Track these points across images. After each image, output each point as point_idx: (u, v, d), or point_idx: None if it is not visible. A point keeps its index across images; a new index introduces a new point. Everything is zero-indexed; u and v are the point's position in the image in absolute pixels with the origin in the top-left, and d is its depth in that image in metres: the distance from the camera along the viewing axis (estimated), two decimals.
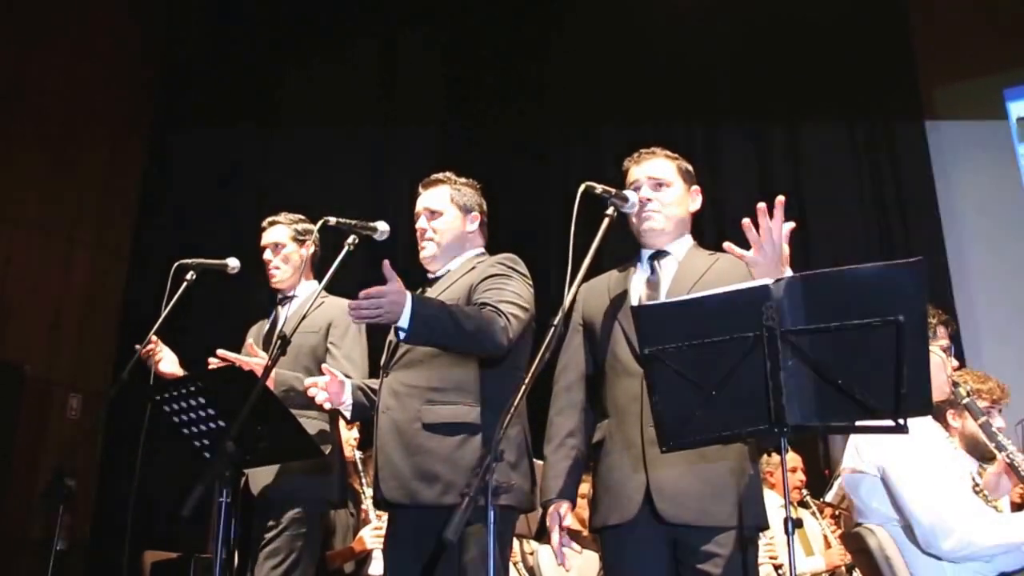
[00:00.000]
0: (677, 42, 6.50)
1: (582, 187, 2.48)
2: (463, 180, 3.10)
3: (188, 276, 3.44)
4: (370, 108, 6.96)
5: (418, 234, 3.03)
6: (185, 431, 2.92)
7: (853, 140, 6.31)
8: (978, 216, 6.04)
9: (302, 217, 3.69)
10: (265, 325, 3.64)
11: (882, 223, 6.06)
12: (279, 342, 2.66)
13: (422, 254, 3.02)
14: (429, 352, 2.77)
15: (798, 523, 2.14)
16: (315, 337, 3.41)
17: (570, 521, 2.56)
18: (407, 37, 7.09)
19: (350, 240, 2.88)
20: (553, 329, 2.26)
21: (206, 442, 2.88)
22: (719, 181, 6.17)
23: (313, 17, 7.04)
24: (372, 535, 3.89)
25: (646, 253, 2.75)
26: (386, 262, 2.46)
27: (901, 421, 2.01)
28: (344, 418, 3.11)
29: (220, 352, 3.05)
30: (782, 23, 6.31)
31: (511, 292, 2.77)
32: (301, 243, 3.64)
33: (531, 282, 2.89)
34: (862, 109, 6.33)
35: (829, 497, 4.17)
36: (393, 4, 7.04)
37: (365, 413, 3.02)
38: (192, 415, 2.86)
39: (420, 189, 3.11)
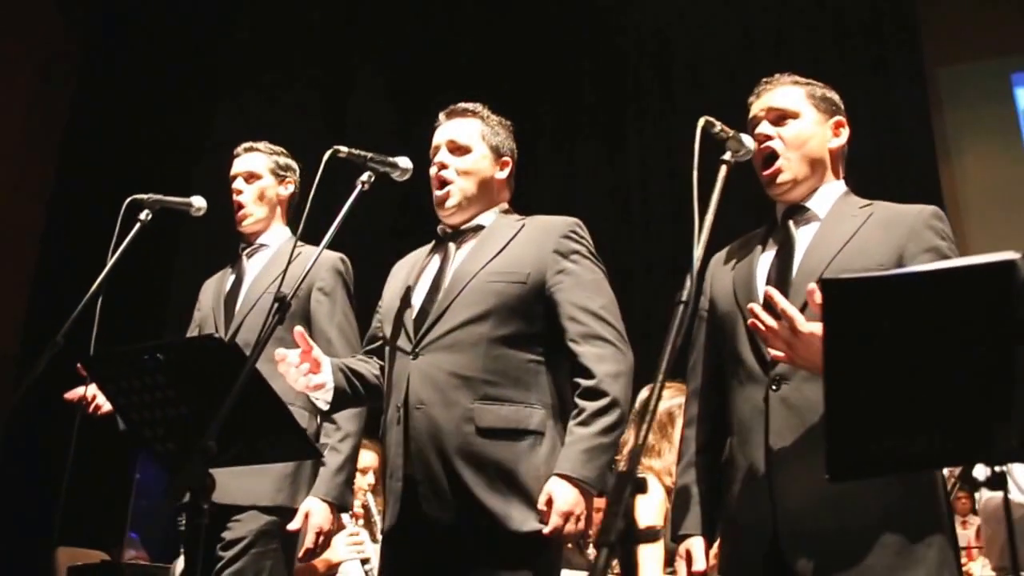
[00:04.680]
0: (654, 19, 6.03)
1: (701, 121, 1.89)
2: (496, 117, 2.47)
3: (143, 216, 2.70)
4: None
5: (434, 172, 2.38)
6: (131, 416, 2.24)
7: (855, 118, 5.88)
8: (983, 203, 5.74)
9: (284, 150, 2.99)
10: (226, 280, 2.90)
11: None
12: (276, 306, 1.99)
13: (444, 203, 2.35)
14: (483, 332, 2.17)
15: None
16: (295, 301, 2.72)
17: (701, 566, 1.99)
18: None
19: (364, 177, 2.24)
20: (683, 308, 1.66)
21: (160, 431, 2.20)
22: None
23: None
24: (348, 544, 3.21)
25: (780, 211, 2.15)
26: None
27: None
28: (318, 409, 2.37)
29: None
30: None
31: (608, 297, 2.25)
32: (281, 180, 2.94)
33: None
34: (864, 88, 5.91)
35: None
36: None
37: (346, 404, 2.37)
38: (144, 396, 2.17)
39: (441, 118, 2.46)
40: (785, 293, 1.92)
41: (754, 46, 6.02)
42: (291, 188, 2.98)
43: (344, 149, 2.22)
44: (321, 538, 2.54)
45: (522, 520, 2.08)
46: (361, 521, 3.41)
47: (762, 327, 1.80)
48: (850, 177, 6.16)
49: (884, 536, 1.82)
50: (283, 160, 2.96)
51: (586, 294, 2.21)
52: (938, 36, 5.97)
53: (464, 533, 2.10)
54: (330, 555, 3.19)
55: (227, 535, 2.56)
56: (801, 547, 1.84)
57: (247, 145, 2.98)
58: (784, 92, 2.15)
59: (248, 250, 2.92)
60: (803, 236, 2.06)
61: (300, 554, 2.56)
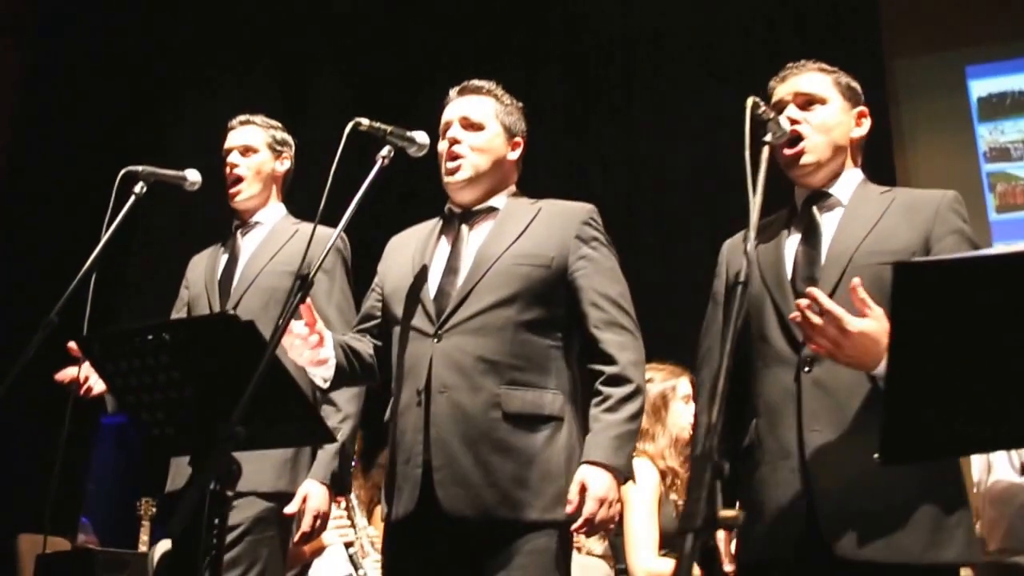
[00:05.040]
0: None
1: (749, 101, 1.88)
2: (509, 96, 2.41)
3: (137, 189, 2.56)
4: None
5: (445, 147, 2.30)
6: (128, 399, 2.12)
7: None
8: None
9: (280, 124, 2.89)
10: (219, 258, 2.78)
11: None
12: (298, 284, 1.91)
13: (453, 177, 2.28)
14: (510, 316, 2.12)
15: None
16: (292, 279, 2.61)
17: (728, 564, 1.96)
18: None
19: (384, 152, 2.15)
20: (741, 289, 1.63)
21: (159, 414, 2.09)
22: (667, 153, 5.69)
23: None
24: (333, 527, 3.12)
25: (801, 196, 2.14)
26: None
27: None
28: (315, 388, 2.27)
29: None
30: None
31: (623, 285, 2.24)
32: (278, 155, 2.82)
33: None
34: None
35: None
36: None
37: (343, 382, 2.27)
38: (144, 378, 2.05)
39: (453, 95, 2.39)
40: (814, 277, 1.97)
41: (713, 37, 6.03)
42: (287, 164, 2.87)
43: (365, 121, 2.13)
44: (319, 522, 2.47)
45: (542, 509, 2.06)
46: (344, 504, 3.33)
47: (806, 325, 1.78)
48: None
49: (918, 515, 1.84)
50: (279, 135, 2.86)
51: (606, 281, 2.21)
52: (896, 28, 6.02)
53: (484, 520, 2.05)
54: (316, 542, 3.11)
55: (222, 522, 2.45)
56: (843, 527, 1.83)
57: (243, 118, 2.86)
58: (811, 78, 2.15)
59: (242, 228, 2.81)
60: (828, 221, 2.07)
61: (296, 537, 2.48)
